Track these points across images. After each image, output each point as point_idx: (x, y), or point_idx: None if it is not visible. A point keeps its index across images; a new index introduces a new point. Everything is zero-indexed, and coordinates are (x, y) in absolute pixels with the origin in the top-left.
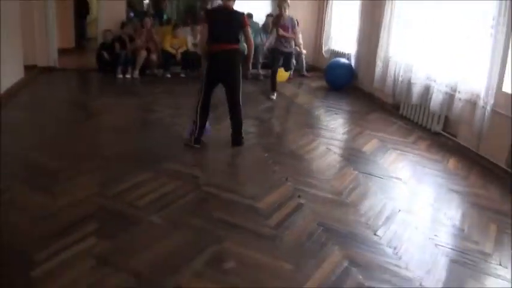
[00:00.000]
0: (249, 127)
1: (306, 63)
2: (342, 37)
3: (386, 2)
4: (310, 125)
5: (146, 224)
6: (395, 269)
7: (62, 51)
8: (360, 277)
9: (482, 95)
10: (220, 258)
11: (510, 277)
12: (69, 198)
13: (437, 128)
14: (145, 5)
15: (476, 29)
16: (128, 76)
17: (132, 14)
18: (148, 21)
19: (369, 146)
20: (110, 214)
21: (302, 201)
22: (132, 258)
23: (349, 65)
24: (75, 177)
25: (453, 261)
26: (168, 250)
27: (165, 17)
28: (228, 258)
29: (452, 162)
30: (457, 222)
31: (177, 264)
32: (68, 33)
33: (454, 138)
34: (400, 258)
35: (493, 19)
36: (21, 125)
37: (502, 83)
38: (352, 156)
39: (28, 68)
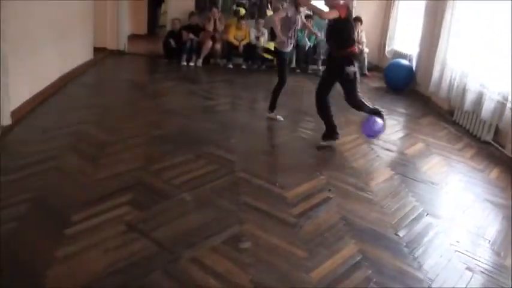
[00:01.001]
0: (298, 122)
1: (368, 62)
2: (406, 38)
3: (448, 3)
4: (358, 123)
5: (177, 200)
6: (408, 268)
7: (134, 37)
8: (369, 272)
9: None
10: (238, 238)
11: None
12: (112, 170)
13: (487, 137)
14: None
15: None
16: (192, 64)
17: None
18: (215, 11)
19: (413, 149)
20: (146, 188)
21: (331, 195)
22: (158, 228)
23: (410, 67)
24: (121, 152)
25: (468, 269)
26: (192, 225)
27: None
28: (245, 239)
29: (495, 173)
30: (484, 232)
31: (197, 239)
32: (141, 20)
33: (502, 149)
34: (415, 259)
35: None
36: (82, 101)
37: None
38: (393, 157)
39: (98, 50)
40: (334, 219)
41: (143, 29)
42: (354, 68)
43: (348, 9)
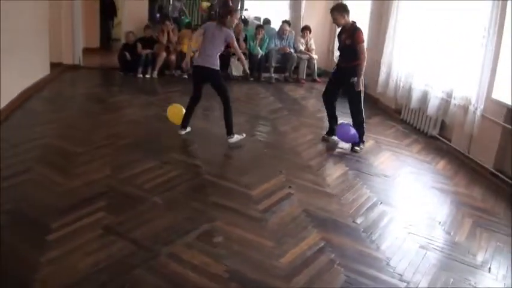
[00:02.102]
0: (255, 126)
1: (317, 68)
2: None
3: (392, 10)
4: (312, 126)
5: (149, 203)
6: (367, 250)
7: (87, 50)
8: (333, 255)
9: (473, 101)
10: (210, 234)
11: (477, 264)
12: (83, 179)
13: (434, 132)
14: (170, 9)
15: (469, 38)
16: (148, 76)
17: (158, 16)
18: (168, 24)
19: (365, 147)
20: (118, 194)
21: (292, 191)
22: (134, 230)
23: None
24: (90, 162)
25: (422, 247)
26: (166, 225)
27: (186, 20)
28: (217, 234)
29: (441, 164)
30: (434, 215)
31: (172, 237)
32: (94, 33)
33: (448, 142)
34: (372, 242)
35: (484, 30)
36: (46, 115)
37: (491, 90)
38: (346, 154)
39: (54, 65)
40: (297, 212)
41: (96, 43)
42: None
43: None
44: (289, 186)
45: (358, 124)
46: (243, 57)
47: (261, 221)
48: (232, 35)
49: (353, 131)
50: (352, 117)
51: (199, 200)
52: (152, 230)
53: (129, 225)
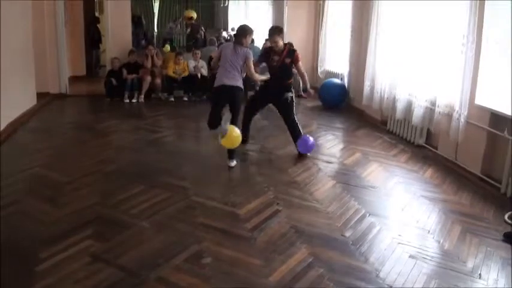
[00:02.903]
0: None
1: (302, 83)
2: (336, 58)
3: (371, 25)
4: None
5: (137, 228)
6: (356, 263)
7: (73, 79)
8: (322, 270)
9: (456, 107)
10: (199, 255)
11: (467, 270)
12: (71, 208)
13: (420, 141)
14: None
15: (449, 47)
16: (134, 100)
17: (143, 42)
18: (151, 48)
19: (351, 159)
20: (106, 221)
21: (280, 208)
22: (121, 256)
23: (342, 85)
24: (78, 190)
25: (412, 257)
26: (153, 249)
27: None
28: (205, 255)
29: (429, 172)
30: (423, 224)
31: (160, 261)
32: (79, 62)
33: (435, 150)
34: (361, 254)
35: (463, 37)
36: (33, 146)
37: (474, 96)
38: (333, 168)
39: (41, 95)
40: (285, 228)
41: (82, 71)
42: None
43: None
44: (277, 203)
45: (299, 134)
46: (257, 77)
47: (249, 240)
48: (251, 55)
49: (311, 140)
50: (294, 130)
51: (186, 221)
52: (140, 255)
53: (117, 251)
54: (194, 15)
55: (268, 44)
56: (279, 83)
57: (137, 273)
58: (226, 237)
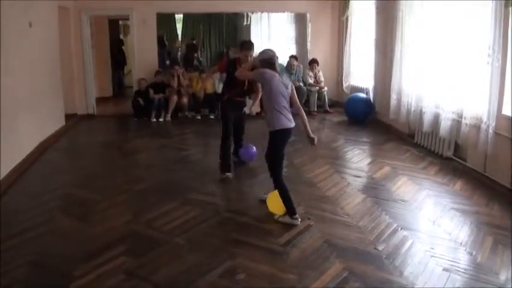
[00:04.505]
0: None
1: (328, 99)
2: (361, 73)
3: (396, 39)
4: (327, 156)
5: (170, 245)
6: (390, 277)
7: (100, 100)
8: (357, 284)
9: (484, 119)
10: (233, 271)
11: (500, 283)
12: (103, 226)
13: (448, 153)
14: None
15: (475, 58)
16: (161, 120)
17: (168, 62)
18: (177, 68)
19: (380, 173)
20: (139, 238)
21: (311, 222)
22: (156, 272)
23: (367, 99)
24: (110, 208)
25: (445, 270)
26: (187, 266)
27: (195, 62)
28: (239, 271)
29: (459, 185)
30: (456, 237)
31: (194, 277)
32: (106, 83)
33: (464, 162)
34: (395, 268)
35: (489, 48)
36: (63, 165)
37: (501, 107)
38: (363, 182)
39: (69, 116)
40: (318, 243)
41: (109, 92)
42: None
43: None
44: (308, 218)
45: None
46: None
47: (282, 255)
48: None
49: (254, 148)
50: (241, 140)
51: (219, 237)
52: (174, 271)
53: (151, 268)
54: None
55: (293, 62)
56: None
57: None
58: (259, 252)
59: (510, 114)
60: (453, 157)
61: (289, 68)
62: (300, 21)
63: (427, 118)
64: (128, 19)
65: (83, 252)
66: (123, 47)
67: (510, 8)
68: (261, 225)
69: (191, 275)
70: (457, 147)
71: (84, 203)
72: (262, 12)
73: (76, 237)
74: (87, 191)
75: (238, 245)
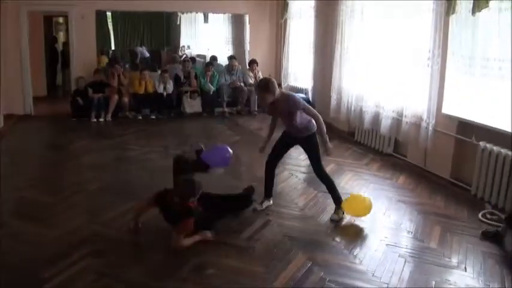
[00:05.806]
0: None
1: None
2: (300, 74)
3: (337, 42)
4: None
5: (134, 244)
6: (351, 265)
7: (36, 99)
8: (322, 273)
9: (424, 117)
10: (202, 267)
11: (453, 265)
12: (63, 227)
13: (389, 150)
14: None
15: (416, 60)
16: (102, 120)
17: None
18: (118, 67)
19: (328, 170)
20: (101, 238)
21: (270, 218)
22: (126, 271)
23: (307, 99)
24: (66, 210)
25: (401, 256)
26: (156, 264)
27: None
28: (208, 267)
29: (401, 179)
30: (405, 226)
31: (166, 274)
32: (40, 82)
33: (404, 158)
34: (355, 256)
35: (429, 51)
36: (10, 168)
37: (441, 106)
38: (311, 178)
39: (5, 117)
40: (279, 237)
41: (43, 91)
42: None
43: None
44: (267, 214)
45: None
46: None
47: (247, 249)
48: None
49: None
50: None
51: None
52: (144, 269)
53: (120, 267)
54: None
55: (234, 62)
56: None
57: (148, 285)
58: (224, 248)
59: (449, 113)
60: (393, 153)
61: (230, 69)
62: (238, 22)
63: (368, 117)
64: (64, 16)
65: (47, 254)
66: (56, 45)
67: (450, 17)
68: (222, 222)
69: (162, 272)
70: (397, 144)
71: (38, 206)
72: (197, 12)
73: (37, 240)
74: (39, 193)
75: (201, 242)
